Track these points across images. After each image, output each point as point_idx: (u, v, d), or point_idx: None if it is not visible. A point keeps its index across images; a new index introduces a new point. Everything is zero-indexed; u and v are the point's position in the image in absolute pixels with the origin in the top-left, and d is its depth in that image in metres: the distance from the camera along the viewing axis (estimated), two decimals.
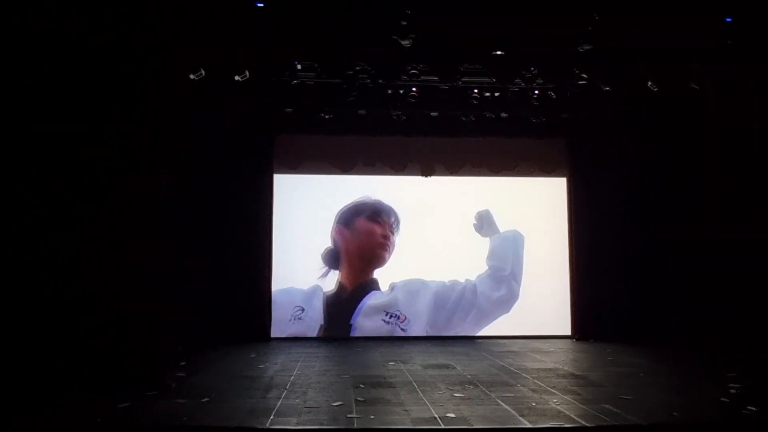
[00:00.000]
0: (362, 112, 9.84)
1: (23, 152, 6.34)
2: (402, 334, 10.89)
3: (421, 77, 8.84)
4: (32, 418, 5.58)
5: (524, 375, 7.66)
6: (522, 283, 11.23)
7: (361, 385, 6.98)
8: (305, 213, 11.13)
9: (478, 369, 8.08)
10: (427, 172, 11.28)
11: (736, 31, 7.55)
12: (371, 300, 11.01)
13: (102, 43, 6.71)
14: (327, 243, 11.10)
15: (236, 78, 8.34)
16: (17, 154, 6.30)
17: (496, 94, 9.45)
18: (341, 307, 10.96)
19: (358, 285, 11.07)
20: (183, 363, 8.20)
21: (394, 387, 6.92)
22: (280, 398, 6.35)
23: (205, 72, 8.08)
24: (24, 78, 6.35)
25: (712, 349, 9.27)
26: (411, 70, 8.61)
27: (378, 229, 11.20)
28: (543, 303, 11.19)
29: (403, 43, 7.48)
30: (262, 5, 7.21)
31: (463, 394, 6.58)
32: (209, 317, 10.08)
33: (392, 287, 11.05)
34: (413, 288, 11.09)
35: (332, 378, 7.44)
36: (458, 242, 11.26)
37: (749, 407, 5.94)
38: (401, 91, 9.36)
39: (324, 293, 10.94)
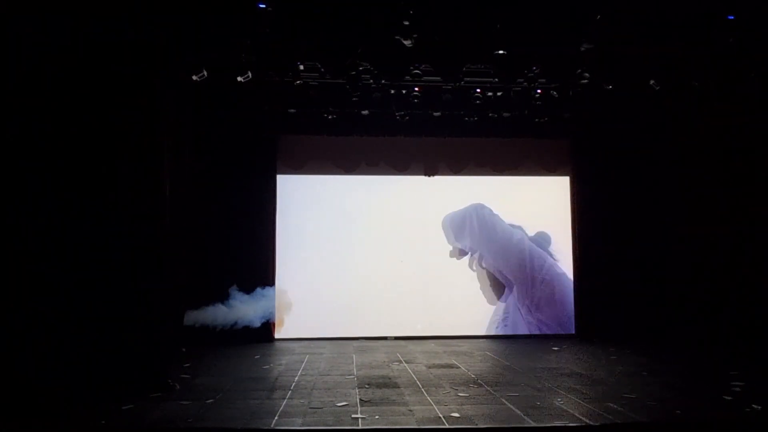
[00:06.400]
0: (365, 112, 9.83)
1: (23, 149, 6.32)
2: None
3: (424, 77, 8.83)
4: (36, 420, 5.60)
5: (528, 374, 7.67)
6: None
7: (366, 386, 7.00)
8: (308, 213, 11.15)
9: (482, 368, 8.09)
10: (430, 172, 11.29)
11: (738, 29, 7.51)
12: None
13: (105, 42, 6.72)
14: (329, 243, 11.10)
15: (239, 79, 8.35)
16: (18, 152, 6.29)
17: (499, 94, 9.43)
18: None
19: None
20: (187, 364, 8.23)
21: (398, 387, 6.93)
22: (284, 399, 6.37)
23: (208, 73, 8.08)
24: (26, 75, 6.35)
25: (714, 348, 9.27)
26: (414, 70, 8.59)
27: None
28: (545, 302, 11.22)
29: (405, 43, 7.46)
30: (264, 6, 7.19)
31: (467, 393, 6.60)
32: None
33: None
34: None
35: (337, 378, 7.47)
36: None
37: (753, 405, 5.95)
38: (404, 92, 9.35)
39: None
